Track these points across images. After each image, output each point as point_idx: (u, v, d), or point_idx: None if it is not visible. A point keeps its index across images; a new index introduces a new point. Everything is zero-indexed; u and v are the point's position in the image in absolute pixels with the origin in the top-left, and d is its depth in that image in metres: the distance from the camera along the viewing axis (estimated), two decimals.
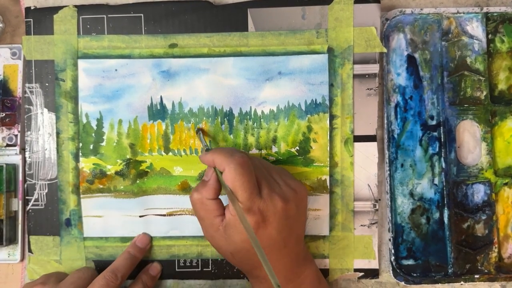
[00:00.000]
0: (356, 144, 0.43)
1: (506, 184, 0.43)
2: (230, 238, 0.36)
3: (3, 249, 0.44)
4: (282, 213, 0.36)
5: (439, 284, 0.43)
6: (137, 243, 0.43)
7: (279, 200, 0.36)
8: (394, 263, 0.43)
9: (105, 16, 0.44)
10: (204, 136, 0.43)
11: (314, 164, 0.43)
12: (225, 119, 0.44)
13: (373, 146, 0.43)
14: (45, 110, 0.44)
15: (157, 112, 0.44)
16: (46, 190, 0.44)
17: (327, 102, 0.43)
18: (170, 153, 0.44)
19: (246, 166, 0.35)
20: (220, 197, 0.38)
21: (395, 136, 0.43)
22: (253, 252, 0.35)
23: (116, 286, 0.39)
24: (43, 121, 0.44)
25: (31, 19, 0.44)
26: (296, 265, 0.38)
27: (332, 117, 0.43)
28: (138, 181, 0.44)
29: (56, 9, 0.44)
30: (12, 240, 0.44)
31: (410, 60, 0.43)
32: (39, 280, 0.40)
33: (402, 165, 0.43)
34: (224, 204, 0.38)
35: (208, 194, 0.36)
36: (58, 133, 0.44)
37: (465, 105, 0.43)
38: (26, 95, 0.44)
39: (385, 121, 0.43)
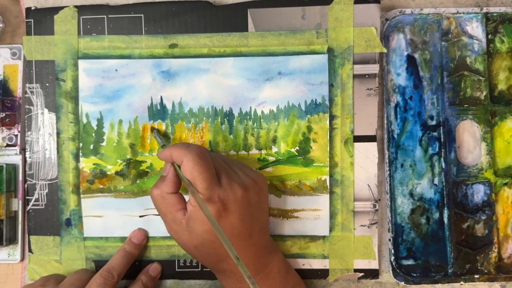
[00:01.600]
0: (356, 144, 0.43)
1: (506, 184, 0.43)
2: (193, 231, 0.36)
3: (3, 249, 0.44)
4: (242, 201, 0.36)
5: (439, 284, 0.43)
6: (132, 240, 0.43)
7: (238, 188, 0.36)
8: (394, 263, 0.43)
9: (105, 16, 0.44)
10: (159, 135, 0.43)
11: (314, 164, 0.43)
12: (225, 119, 0.44)
13: (373, 146, 0.43)
14: (46, 110, 0.44)
15: (157, 112, 0.44)
16: (47, 190, 0.44)
17: (327, 102, 0.43)
18: None
19: (203, 156, 0.35)
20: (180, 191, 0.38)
21: (395, 136, 0.43)
22: (218, 243, 0.35)
23: (113, 284, 0.39)
24: (44, 121, 0.44)
25: (32, 20, 0.44)
26: (263, 255, 0.38)
27: (332, 117, 0.43)
28: (138, 181, 0.44)
29: (56, 9, 0.44)
30: (12, 240, 0.44)
31: (410, 60, 0.43)
32: (38, 282, 0.40)
33: (402, 165, 0.43)
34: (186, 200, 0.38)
35: (168, 188, 0.37)
36: (58, 133, 0.44)
37: (465, 105, 0.43)
38: (27, 95, 0.44)
39: (385, 121, 0.43)
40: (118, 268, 0.40)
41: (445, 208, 0.43)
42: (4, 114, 0.44)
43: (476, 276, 0.42)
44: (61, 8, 0.44)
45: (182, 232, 0.37)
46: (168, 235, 0.43)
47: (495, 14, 0.43)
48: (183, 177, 0.35)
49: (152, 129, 0.43)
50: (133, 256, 0.42)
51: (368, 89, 0.43)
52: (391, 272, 0.43)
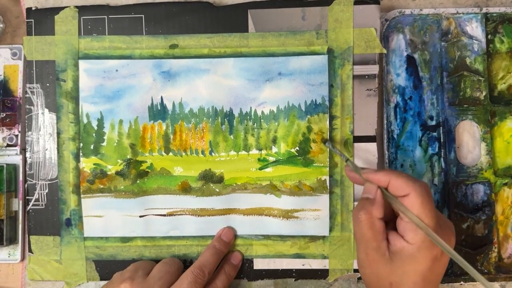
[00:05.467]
0: (356, 144, 0.43)
1: (505, 184, 0.43)
2: (399, 268, 0.34)
3: (4, 249, 0.44)
4: (451, 247, 0.34)
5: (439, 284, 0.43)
6: (222, 237, 0.43)
7: (451, 236, 0.34)
8: None
9: (106, 16, 0.44)
10: (336, 147, 0.41)
11: (314, 164, 0.43)
12: (225, 119, 0.44)
13: (372, 147, 0.43)
14: (46, 110, 0.44)
15: (158, 112, 0.44)
16: (47, 190, 0.44)
17: (327, 103, 0.43)
18: (171, 153, 0.44)
19: (431, 195, 0.34)
20: None
21: (395, 136, 0.43)
22: (420, 286, 0.34)
23: (203, 282, 0.39)
24: (44, 121, 0.44)
25: (32, 20, 0.44)
26: None
27: (331, 118, 0.43)
28: (138, 181, 0.44)
29: (57, 9, 0.44)
30: (12, 240, 0.44)
31: (410, 61, 0.43)
32: (126, 274, 0.39)
33: (401, 166, 0.43)
34: None
35: (379, 213, 0.34)
36: (58, 133, 0.44)
37: (465, 106, 0.43)
38: (27, 95, 0.44)
39: (385, 122, 0.43)
40: (209, 266, 0.40)
41: (445, 208, 0.43)
42: (4, 114, 0.44)
43: None
44: (62, 8, 0.44)
45: (383, 264, 0.34)
46: (168, 235, 0.44)
47: (494, 15, 0.43)
48: (407, 210, 0.33)
49: (325, 140, 0.42)
50: (222, 254, 0.42)
51: (368, 89, 0.43)
52: None
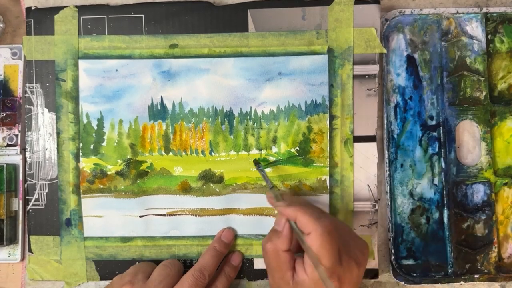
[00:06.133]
0: (356, 144, 0.43)
1: (505, 184, 0.43)
2: None
3: (4, 248, 0.44)
4: (356, 279, 0.35)
5: (439, 284, 0.43)
6: (222, 238, 0.43)
7: (355, 267, 0.35)
8: (394, 263, 0.43)
9: (105, 16, 0.44)
10: (265, 172, 0.42)
11: (314, 164, 0.43)
12: (225, 119, 0.44)
13: (372, 147, 0.43)
14: (46, 110, 0.44)
15: (158, 112, 0.44)
16: (47, 190, 0.44)
17: (327, 103, 0.43)
18: (171, 153, 0.44)
19: (333, 234, 0.34)
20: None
21: (395, 136, 0.43)
22: None
23: (204, 284, 0.39)
24: (44, 121, 0.44)
25: (32, 19, 0.44)
26: None
27: (332, 118, 0.43)
28: (138, 181, 0.44)
29: (57, 9, 0.44)
30: (12, 240, 0.44)
31: (410, 61, 0.43)
32: (126, 277, 0.39)
33: (401, 165, 0.43)
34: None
35: (284, 246, 0.36)
36: (58, 133, 0.44)
37: (465, 105, 0.43)
38: (27, 95, 0.44)
39: (385, 122, 0.43)
40: (209, 269, 0.40)
41: (445, 208, 0.43)
42: (4, 114, 0.44)
43: (476, 275, 0.43)
44: (62, 8, 0.44)
45: None
46: (168, 235, 0.44)
47: (494, 14, 0.43)
48: (309, 247, 0.34)
49: (256, 162, 0.42)
50: (222, 255, 0.42)
51: (368, 89, 0.43)
52: (391, 272, 0.43)
